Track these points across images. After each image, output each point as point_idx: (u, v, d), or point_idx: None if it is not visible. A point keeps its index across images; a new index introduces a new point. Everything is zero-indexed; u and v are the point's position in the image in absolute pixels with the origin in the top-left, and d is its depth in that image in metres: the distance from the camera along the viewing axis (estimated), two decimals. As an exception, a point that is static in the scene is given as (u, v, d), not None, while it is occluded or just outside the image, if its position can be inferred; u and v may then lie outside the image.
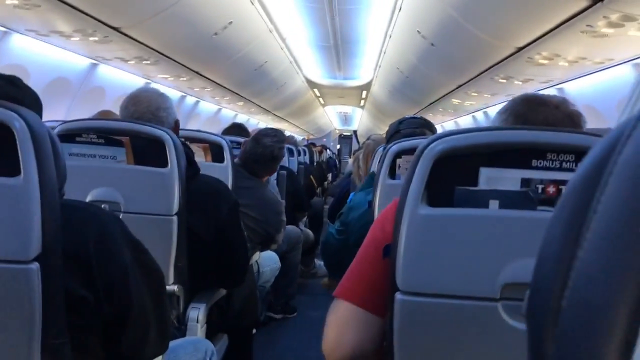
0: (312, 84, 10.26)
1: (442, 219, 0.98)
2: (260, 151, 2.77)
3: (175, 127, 1.97)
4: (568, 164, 0.98)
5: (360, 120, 18.22)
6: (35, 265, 1.00)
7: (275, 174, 4.24)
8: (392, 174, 1.83)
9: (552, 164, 0.98)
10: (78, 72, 4.70)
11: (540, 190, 0.98)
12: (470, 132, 1.00)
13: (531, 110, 1.14)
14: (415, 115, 2.28)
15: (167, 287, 1.75)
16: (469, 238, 0.97)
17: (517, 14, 2.79)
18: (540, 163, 0.98)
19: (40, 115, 1.25)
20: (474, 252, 0.97)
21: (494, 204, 0.99)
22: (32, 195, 1.00)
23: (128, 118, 1.90)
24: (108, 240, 1.11)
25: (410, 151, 1.78)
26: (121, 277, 1.11)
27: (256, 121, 12.83)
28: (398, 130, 2.20)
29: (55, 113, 4.54)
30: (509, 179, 0.99)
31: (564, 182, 0.97)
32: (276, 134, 2.88)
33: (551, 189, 0.98)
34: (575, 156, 0.97)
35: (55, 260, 1.03)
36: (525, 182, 0.98)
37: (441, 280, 0.97)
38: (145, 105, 1.90)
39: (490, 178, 1.00)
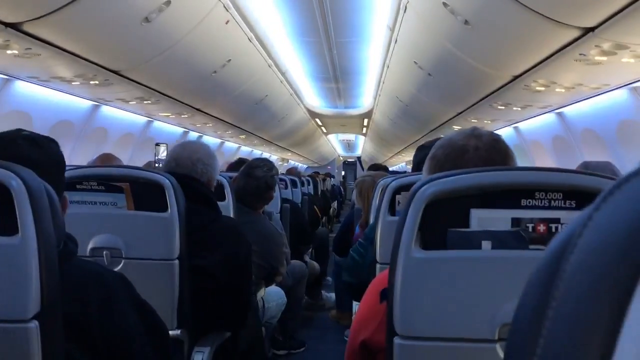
0: (313, 114, 10.34)
1: (436, 261, 0.99)
2: (254, 184, 2.79)
3: (208, 183, 2.03)
4: (556, 202, 0.99)
5: (363, 146, 18.30)
6: (34, 324, 1.00)
7: (279, 207, 4.26)
8: (393, 210, 1.83)
9: (541, 203, 0.99)
10: (80, 114, 4.76)
11: (530, 229, 0.99)
12: (459, 175, 1.02)
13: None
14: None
15: (171, 332, 1.75)
16: (464, 280, 0.97)
17: (511, 44, 2.83)
18: (529, 202, 0.99)
19: (61, 176, 1.26)
20: (470, 294, 0.97)
21: (486, 244, 0.99)
22: (30, 253, 1.01)
23: (170, 159, 2.02)
24: (112, 304, 1.11)
25: (409, 187, 1.78)
26: (125, 342, 1.11)
27: (260, 152, 12.91)
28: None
29: (59, 155, 4.58)
30: (499, 219, 1.00)
31: (553, 220, 0.98)
32: (265, 163, 2.91)
33: (541, 228, 0.99)
34: (563, 194, 0.99)
35: (55, 318, 1.03)
36: (515, 221, 0.99)
37: (439, 323, 0.97)
38: (188, 152, 2.02)
39: (482, 219, 1.01)
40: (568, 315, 0.26)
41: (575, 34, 2.37)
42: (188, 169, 1.98)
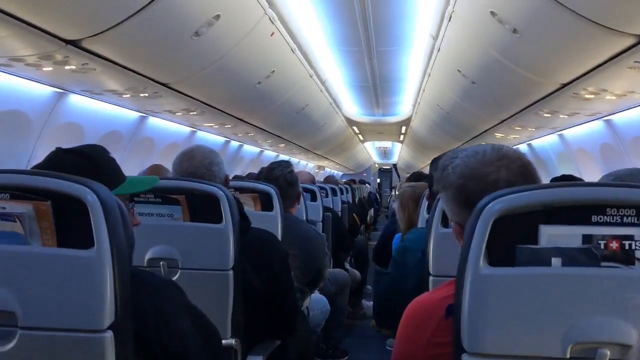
0: (351, 122, 10.34)
1: (505, 278, 0.98)
2: (274, 184, 2.79)
3: (226, 181, 2.06)
4: (629, 218, 0.97)
5: (399, 154, 18.18)
6: (110, 334, 1.04)
7: (321, 216, 4.28)
8: (445, 221, 1.82)
9: (613, 219, 0.97)
10: (129, 125, 4.89)
11: (602, 246, 0.97)
12: (527, 191, 1.01)
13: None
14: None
15: (225, 341, 1.77)
16: (534, 297, 0.96)
17: (561, 52, 2.78)
18: (600, 218, 0.97)
19: (107, 177, 1.31)
20: (540, 311, 0.96)
21: (556, 261, 0.98)
22: (105, 265, 1.05)
23: (182, 172, 2.00)
24: (167, 312, 1.14)
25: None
26: (181, 348, 1.14)
27: (297, 160, 12.98)
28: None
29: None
30: (569, 235, 0.98)
31: (626, 237, 0.96)
32: (280, 163, 2.91)
33: (614, 245, 0.97)
34: (635, 211, 0.97)
35: (128, 328, 1.06)
36: (586, 238, 0.97)
37: (508, 341, 0.96)
38: (198, 161, 2.00)
39: (551, 235, 0.99)
40: None
41: (630, 41, 2.32)
42: (207, 177, 1.95)
